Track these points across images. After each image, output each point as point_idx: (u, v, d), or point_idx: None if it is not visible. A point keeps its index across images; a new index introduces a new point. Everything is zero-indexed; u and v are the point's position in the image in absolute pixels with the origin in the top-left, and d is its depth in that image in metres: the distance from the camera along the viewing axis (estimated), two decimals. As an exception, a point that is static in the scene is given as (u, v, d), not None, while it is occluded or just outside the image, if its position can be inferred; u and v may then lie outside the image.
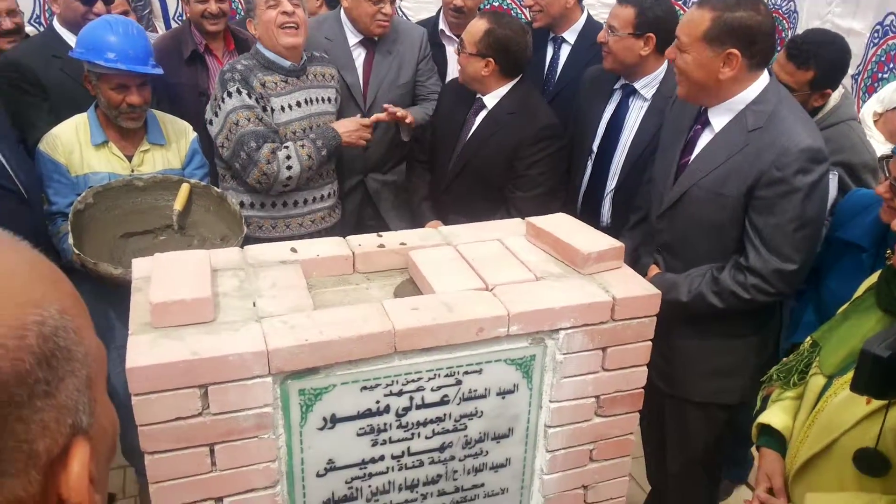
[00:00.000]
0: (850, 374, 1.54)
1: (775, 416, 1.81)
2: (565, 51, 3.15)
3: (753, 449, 2.00)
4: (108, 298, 2.38)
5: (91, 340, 0.61)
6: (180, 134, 2.67)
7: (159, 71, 2.50)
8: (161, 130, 2.61)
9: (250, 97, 2.59)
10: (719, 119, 2.10)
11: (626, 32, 2.55)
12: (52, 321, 0.55)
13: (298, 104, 2.73)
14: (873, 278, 1.70)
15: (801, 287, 2.13)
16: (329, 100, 2.86)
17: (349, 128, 2.80)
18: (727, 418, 2.33)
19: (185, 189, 2.47)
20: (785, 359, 1.86)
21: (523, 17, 4.69)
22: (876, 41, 3.99)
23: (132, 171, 2.51)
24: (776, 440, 1.80)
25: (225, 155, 2.65)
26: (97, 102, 2.50)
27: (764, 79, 2.06)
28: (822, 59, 2.50)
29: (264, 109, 2.63)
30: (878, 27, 3.97)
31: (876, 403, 1.49)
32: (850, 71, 4.01)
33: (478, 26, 2.63)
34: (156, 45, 3.19)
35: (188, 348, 1.33)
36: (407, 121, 2.92)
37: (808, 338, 1.79)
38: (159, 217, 2.46)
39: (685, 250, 2.21)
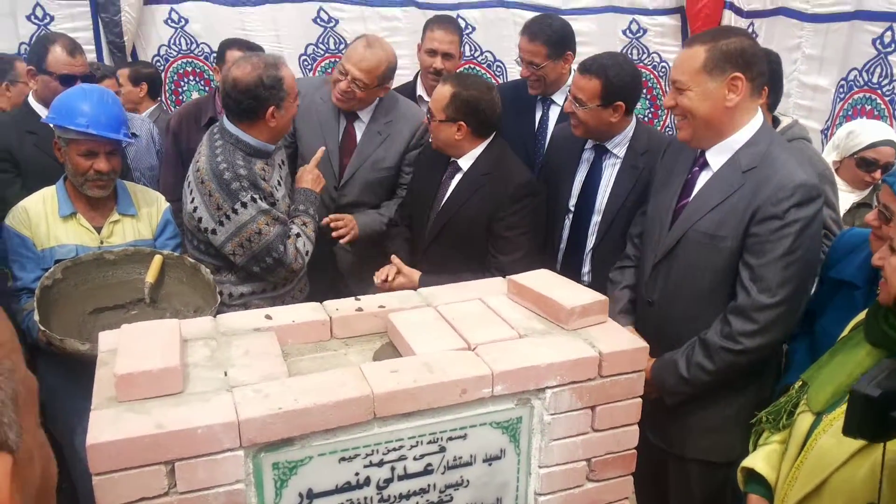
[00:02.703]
0: (839, 410, 1.53)
1: (761, 460, 1.76)
2: (555, 111, 3.15)
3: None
4: (79, 381, 2.27)
5: (21, 366, 0.59)
6: (151, 204, 2.62)
7: (130, 140, 2.48)
8: (131, 200, 2.56)
9: (263, 199, 2.49)
10: (717, 159, 2.10)
11: (595, 105, 2.52)
12: None
13: (279, 181, 2.67)
14: (861, 315, 1.68)
15: (794, 330, 2.08)
16: (285, 160, 2.81)
17: (311, 180, 2.74)
18: (728, 476, 2.24)
19: (157, 261, 2.40)
20: (776, 401, 1.81)
21: (489, 76, 4.73)
22: (842, 96, 4.08)
23: (101, 242, 2.45)
24: (763, 486, 1.74)
25: (239, 261, 2.52)
26: (66, 174, 2.46)
27: (757, 120, 2.07)
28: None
29: (273, 204, 2.54)
30: (842, 82, 4.07)
31: None
32: (819, 126, 4.08)
33: (443, 92, 2.60)
34: (179, 111, 3.34)
35: (153, 421, 1.26)
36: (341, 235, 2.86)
37: (799, 379, 1.75)
38: (130, 291, 2.38)
39: (679, 301, 2.16)
